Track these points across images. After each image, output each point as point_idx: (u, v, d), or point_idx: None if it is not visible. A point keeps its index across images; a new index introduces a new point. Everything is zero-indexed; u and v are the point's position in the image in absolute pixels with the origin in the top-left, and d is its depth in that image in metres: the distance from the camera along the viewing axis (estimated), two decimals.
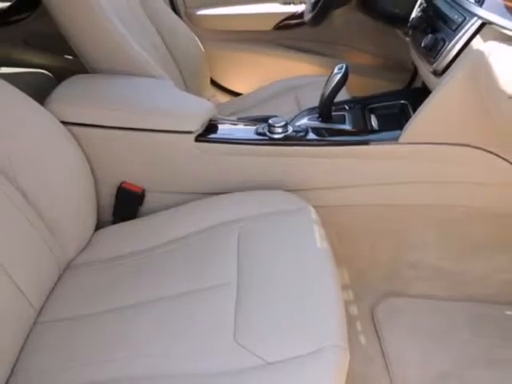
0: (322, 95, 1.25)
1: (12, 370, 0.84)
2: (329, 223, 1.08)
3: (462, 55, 1.06)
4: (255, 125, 1.23)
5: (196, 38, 1.76)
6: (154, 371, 0.79)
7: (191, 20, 1.97)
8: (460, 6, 1.10)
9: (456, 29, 1.08)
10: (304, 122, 1.27)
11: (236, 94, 2.07)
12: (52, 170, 1.05)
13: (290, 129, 1.19)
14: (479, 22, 1.02)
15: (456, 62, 1.08)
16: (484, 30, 1.01)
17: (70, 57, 1.82)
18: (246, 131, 1.22)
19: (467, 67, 1.03)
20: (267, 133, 1.18)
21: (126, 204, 1.22)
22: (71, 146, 1.11)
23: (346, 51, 1.96)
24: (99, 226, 1.17)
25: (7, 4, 1.83)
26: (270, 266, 0.94)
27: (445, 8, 1.18)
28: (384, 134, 1.22)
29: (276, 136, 1.17)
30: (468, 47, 1.05)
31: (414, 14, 1.39)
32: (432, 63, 1.15)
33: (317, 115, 1.28)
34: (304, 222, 1.05)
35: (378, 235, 1.29)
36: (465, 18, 1.06)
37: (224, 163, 1.19)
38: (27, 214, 0.96)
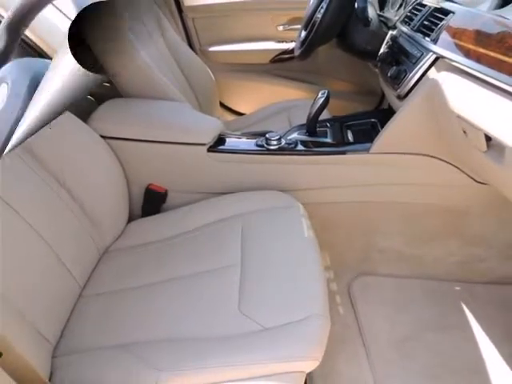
0: (309, 115, 1.25)
1: (62, 334, 0.84)
2: (314, 217, 1.07)
3: (420, 83, 1.06)
4: (255, 138, 1.22)
5: (208, 70, 1.75)
6: (170, 335, 0.79)
7: (204, 55, 1.97)
8: (418, 43, 1.10)
9: (415, 62, 1.07)
10: (294, 136, 1.26)
11: (240, 114, 2.06)
12: (93, 174, 1.05)
13: (283, 141, 1.18)
14: (434, 56, 1.01)
15: (415, 88, 1.07)
16: (438, 63, 1.01)
17: (108, 84, 1.81)
18: (247, 143, 1.22)
19: (424, 93, 1.02)
20: (265, 145, 1.18)
21: (152, 201, 1.21)
22: (108, 156, 1.11)
23: (328, 79, 1.95)
24: (130, 219, 1.17)
25: None
26: (268, 251, 0.94)
27: (406, 45, 1.18)
28: (358, 146, 1.21)
29: (272, 147, 1.17)
30: (425, 77, 1.04)
31: (381, 50, 1.38)
32: (396, 89, 1.15)
33: (305, 131, 1.27)
34: (294, 216, 1.05)
35: (354, 226, 1.28)
36: (422, 53, 1.06)
37: (230, 169, 1.18)
38: (73, 210, 0.97)
